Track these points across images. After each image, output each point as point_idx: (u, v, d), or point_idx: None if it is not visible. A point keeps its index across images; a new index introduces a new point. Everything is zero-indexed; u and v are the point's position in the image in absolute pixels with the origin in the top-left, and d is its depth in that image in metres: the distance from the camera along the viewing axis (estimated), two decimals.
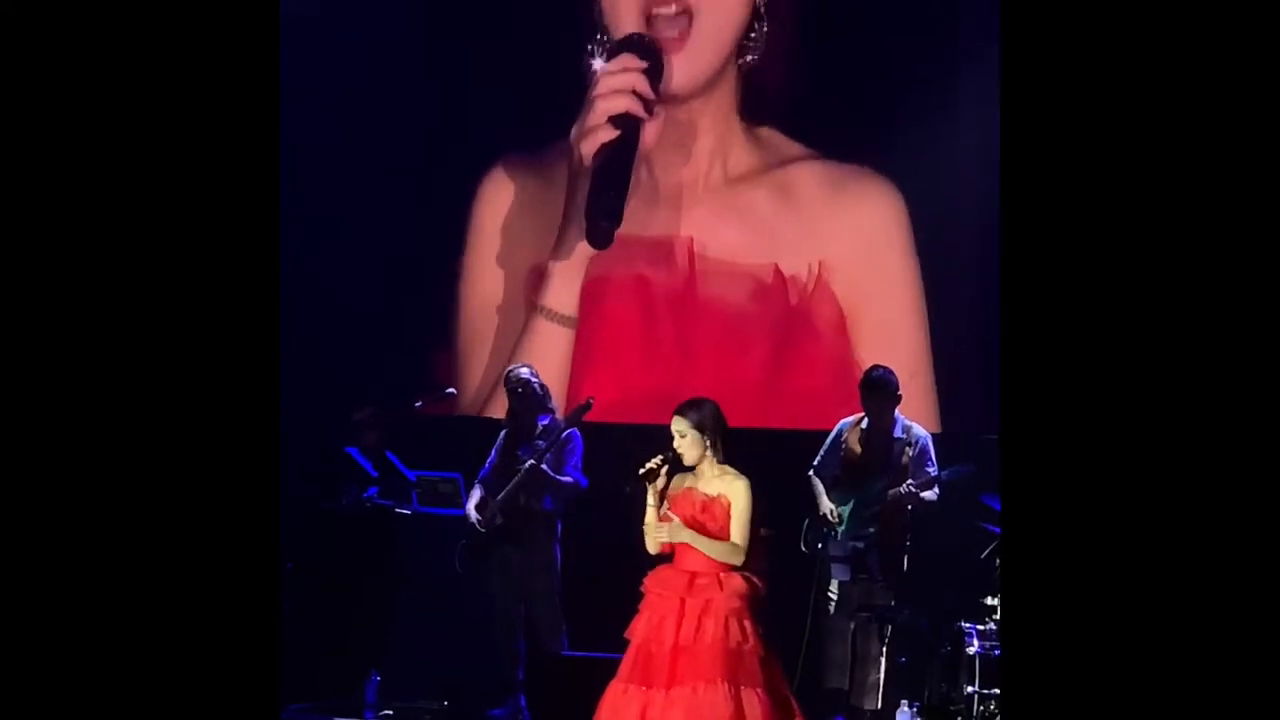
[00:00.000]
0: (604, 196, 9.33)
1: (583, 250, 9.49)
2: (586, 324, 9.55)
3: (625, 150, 9.39)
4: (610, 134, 9.40)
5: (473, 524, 8.15)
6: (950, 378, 9.12)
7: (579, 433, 8.24)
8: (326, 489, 8.62)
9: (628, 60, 9.45)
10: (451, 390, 8.95)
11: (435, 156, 9.72)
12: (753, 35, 9.46)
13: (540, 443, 8.13)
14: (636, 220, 9.47)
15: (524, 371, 8.35)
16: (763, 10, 9.47)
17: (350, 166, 9.61)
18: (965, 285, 9.02)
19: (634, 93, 9.39)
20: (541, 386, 8.31)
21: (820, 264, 9.31)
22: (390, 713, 8.18)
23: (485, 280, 9.73)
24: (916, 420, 8.25)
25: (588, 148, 9.45)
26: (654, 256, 9.53)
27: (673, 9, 9.48)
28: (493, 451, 8.32)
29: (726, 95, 9.58)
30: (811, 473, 8.10)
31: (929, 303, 9.24)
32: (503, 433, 8.37)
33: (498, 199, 9.73)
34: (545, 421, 8.26)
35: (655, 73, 9.45)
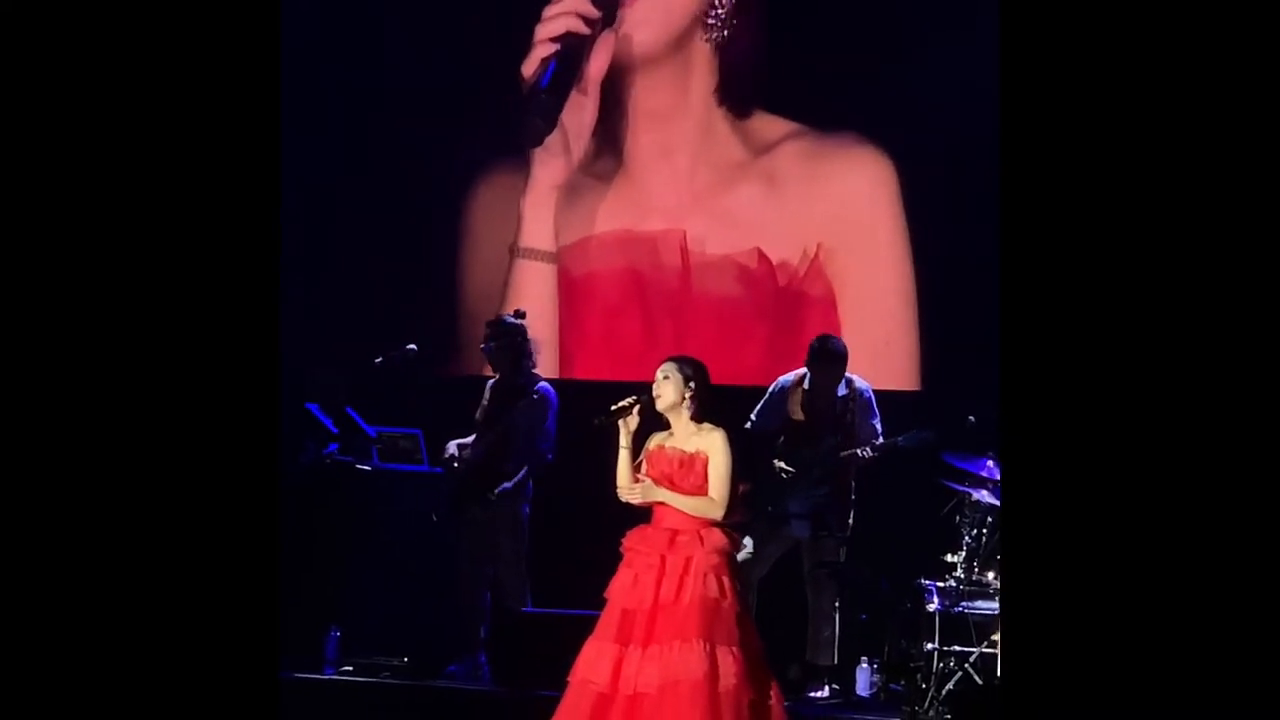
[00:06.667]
0: (539, 97, 9.52)
1: (550, 184, 9.63)
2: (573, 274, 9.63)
3: (565, 62, 9.52)
4: (550, 49, 9.54)
5: (448, 459, 8.15)
6: (937, 340, 9.08)
7: (553, 390, 8.13)
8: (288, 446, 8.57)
9: None
10: (413, 347, 8.90)
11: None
12: (717, 8, 9.46)
13: (523, 400, 8.03)
14: (621, 219, 9.60)
15: (507, 318, 8.25)
16: None
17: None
18: (960, 247, 8.87)
19: (576, 14, 9.50)
20: (524, 335, 8.14)
21: (818, 246, 9.29)
22: (350, 668, 8.15)
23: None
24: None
25: (528, 68, 9.57)
26: (640, 253, 9.60)
27: None
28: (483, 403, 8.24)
29: (702, 79, 9.56)
30: (748, 426, 8.05)
31: (921, 265, 9.16)
32: (489, 384, 8.29)
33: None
34: (524, 380, 8.11)
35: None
